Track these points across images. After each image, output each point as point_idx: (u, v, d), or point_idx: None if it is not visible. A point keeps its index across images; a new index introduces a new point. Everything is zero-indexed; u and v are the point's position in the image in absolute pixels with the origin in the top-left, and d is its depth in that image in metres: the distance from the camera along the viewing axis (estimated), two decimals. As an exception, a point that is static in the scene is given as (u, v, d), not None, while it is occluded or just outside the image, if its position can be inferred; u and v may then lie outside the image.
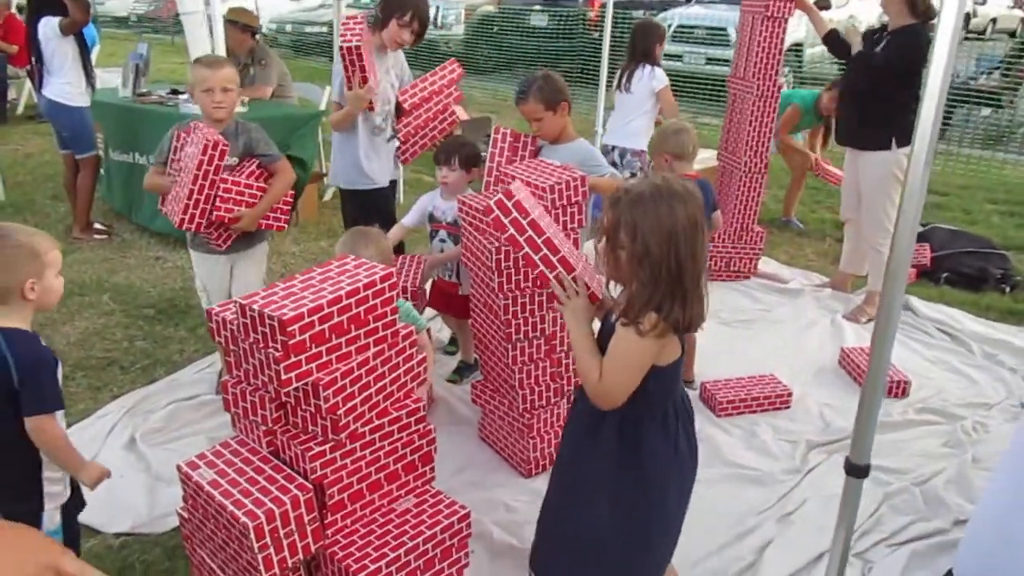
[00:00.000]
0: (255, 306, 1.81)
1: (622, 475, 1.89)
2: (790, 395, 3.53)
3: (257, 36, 5.71)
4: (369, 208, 3.72)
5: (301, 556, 1.91)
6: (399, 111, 3.70)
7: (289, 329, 1.78)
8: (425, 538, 2.03)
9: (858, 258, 4.72)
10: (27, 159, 7.34)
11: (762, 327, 4.35)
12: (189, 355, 3.80)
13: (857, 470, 2.02)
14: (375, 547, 1.98)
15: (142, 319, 4.13)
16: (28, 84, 9.20)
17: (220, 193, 3.00)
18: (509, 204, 2.04)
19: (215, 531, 1.94)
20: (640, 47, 4.92)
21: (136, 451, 3.09)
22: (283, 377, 1.82)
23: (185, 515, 2.09)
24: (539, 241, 2.02)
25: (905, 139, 4.21)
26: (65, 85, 5.09)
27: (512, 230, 2.03)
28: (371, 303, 1.94)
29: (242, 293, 3.17)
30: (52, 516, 2.06)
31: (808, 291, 4.80)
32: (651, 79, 4.83)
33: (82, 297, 4.34)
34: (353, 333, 1.93)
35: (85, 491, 2.80)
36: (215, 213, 3.02)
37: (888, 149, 4.20)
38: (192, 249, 3.31)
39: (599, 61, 6.92)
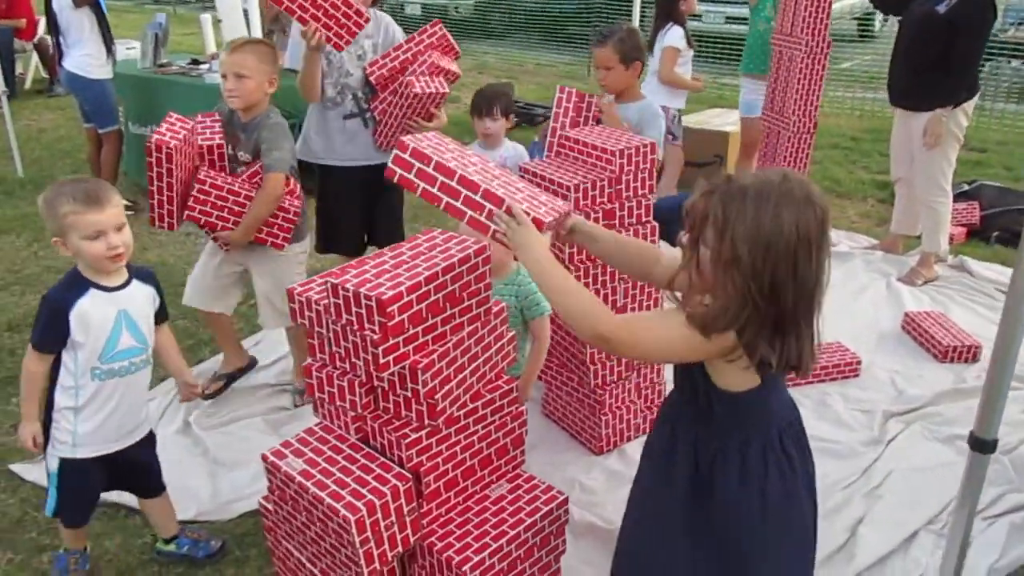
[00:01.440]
0: (349, 285, 1.69)
1: (696, 517, 1.62)
2: (859, 363, 3.41)
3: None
4: (326, 187, 3.47)
5: (401, 549, 1.80)
6: (371, 86, 3.27)
7: (388, 310, 1.65)
8: (526, 526, 1.92)
9: (910, 219, 4.57)
10: (41, 134, 7.18)
11: (816, 292, 4.21)
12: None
13: (983, 444, 1.91)
14: (475, 537, 1.88)
15: (179, 298, 3.98)
16: (35, 58, 9.01)
17: (194, 193, 2.78)
18: (406, 156, 1.69)
19: (307, 524, 1.83)
20: (662, 7, 4.88)
21: (191, 435, 2.98)
22: (381, 361, 1.70)
23: (270, 506, 1.98)
24: (453, 184, 1.67)
25: (964, 96, 4.06)
26: (84, 57, 4.92)
27: (422, 184, 1.69)
28: (465, 279, 1.82)
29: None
30: (51, 460, 2.20)
31: (858, 254, 4.66)
32: (663, 38, 4.79)
33: (116, 276, 4.21)
34: (448, 312, 1.80)
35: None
36: (188, 214, 2.80)
37: (947, 107, 4.04)
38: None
39: (615, 23, 6.70)
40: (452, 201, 1.68)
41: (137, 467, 2.30)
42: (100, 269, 2.08)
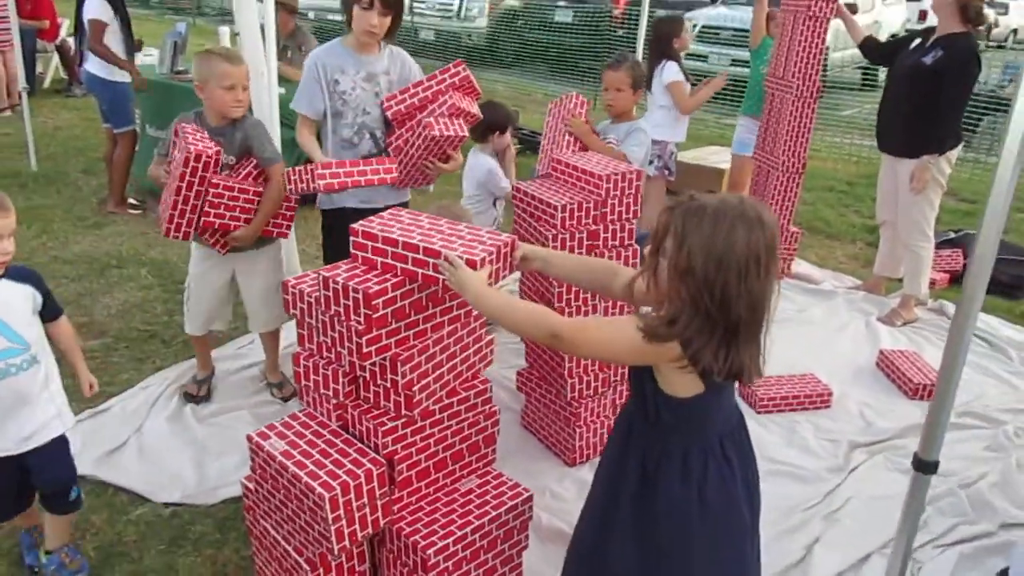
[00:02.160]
0: (339, 278, 1.82)
1: (641, 516, 1.72)
2: (830, 395, 3.53)
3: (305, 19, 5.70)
4: (339, 232, 2.72)
5: (371, 530, 1.91)
6: (388, 122, 3.10)
7: (374, 303, 1.78)
8: (491, 518, 2.03)
9: (893, 261, 4.71)
10: (56, 132, 7.37)
11: (796, 327, 4.34)
12: (228, 332, 3.79)
13: (925, 466, 2.03)
14: (441, 524, 1.99)
15: (180, 294, 4.11)
16: (56, 59, 9.23)
17: (209, 199, 2.84)
18: (359, 239, 1.89)
19: (285, 502, 1.94)
20: (657, 47, 5.05)
21: (182, 423, 3.10)
22: (364, 350, 1.82)
23: (251, 485, 2.10)
24: (400, 251, 1.83)
25: (948, 144, 4.21)
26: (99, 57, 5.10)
27: (378, 258, 1.87)
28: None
29: (252, 303, 3.22)
30: None
31: (841, 293, 4.79)
32: (660, 74, 4.93)
33: (120, 270, 4.36)
34: (431, 311, 1.93)
35: (131, 459, 2.83)
36: (203, 220, 2.88)
37: (932, 154, 4.19)
38: (194, 242, 3.12)
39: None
40: (404, 265, 1.83)
41: (32, 475, 2.22)
42: None
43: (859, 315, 4.51)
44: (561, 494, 2.83)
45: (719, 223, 1.49)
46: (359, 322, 1.81)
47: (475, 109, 3.05)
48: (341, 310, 1.84)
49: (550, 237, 2.69)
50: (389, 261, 1.85)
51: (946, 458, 3.13)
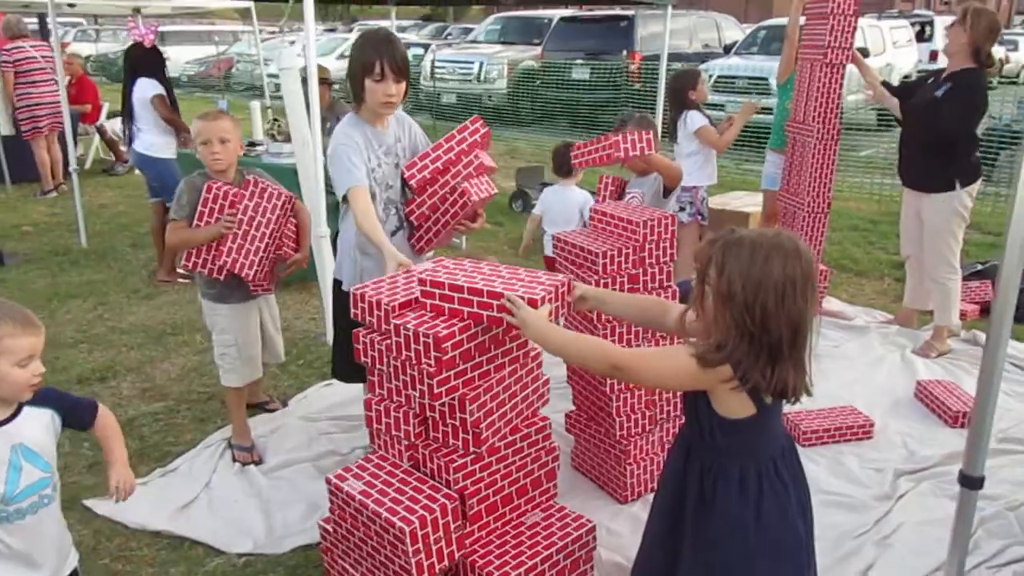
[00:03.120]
0: (410, 325, 1.97)
1: (702, 537, 1.83)
2: (872, 425, 3.60)
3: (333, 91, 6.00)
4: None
5: (447, 562, 2.02)
6: (408, 191, 3.02)
7: (443, 346, 1.92)
8: (558, 548, 2.14)
9: (922, 294, 4.79)
10: (102, 210, 7.69)
11: (832, 362, 4.43)
12: (283, 390, 3.97)
13: (972, 481, 2.11)
14: (512, 556, 2.10)
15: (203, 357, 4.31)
16: (97, 140, 9.66)
17: (282, 238, 3.16)
18: (428, 288, 2.06)
19: (364, 539, 2.07)
20: (676, 99, 5.21)
21: (247, 477, 3.23)
22: (435, 391, 1.97)
23: (329, 527, 2.22)
24: (466, 296, 1.99)
25: (968, 178, 4.34)
26: (152, 139, 5.41)
27: (446, 304, 2.03)
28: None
29: (270, 332, 3.44)
30: None
31: (874, 327, 4.87)
32: (685, 124, 5.08)
33: (175, 336, 4.55)
34: (493, 352, 2.08)
35: (202, 514, 2.96)
36: (277, 253, 3.15)
37: (952, 190, 4.32)
38: (221, 303, 3.22)
39: (641, 111, 7.13)
40: (470, 309, 2.00)
41: None
42: (15, 397, 1.89)
43: (894, 348, 4.58)
44: (616, 530, 2.91)
45: (756, 252, 1.65)
46: (430, 364, 1.95)
47: (493, 163, 2.99)
48: (412, 354, 1.99)
49: (593, 283, 2.83)
50: (456, 306, 2.00)
51: (991, 482, 3.21)
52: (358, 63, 2.80)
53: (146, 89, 5.32)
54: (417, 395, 2.04)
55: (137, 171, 9.27)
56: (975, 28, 4.12)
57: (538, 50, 13.76)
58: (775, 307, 1.62)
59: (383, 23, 10.11)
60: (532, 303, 1.91)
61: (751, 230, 1.73)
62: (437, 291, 2.04)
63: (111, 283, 5.49)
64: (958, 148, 4.25)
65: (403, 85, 2.85)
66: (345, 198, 2.86)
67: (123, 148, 9.66)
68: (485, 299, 1.96)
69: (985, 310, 5.17)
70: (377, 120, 2.94)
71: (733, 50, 13.07)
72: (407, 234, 3.06)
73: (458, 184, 2.87)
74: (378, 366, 2.15)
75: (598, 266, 2.82)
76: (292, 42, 4.96)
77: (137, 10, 8.91)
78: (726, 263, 1.65)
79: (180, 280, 5.51)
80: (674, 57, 12.02)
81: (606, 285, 2.85)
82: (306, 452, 3.41)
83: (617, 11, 13.30)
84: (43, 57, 8.12)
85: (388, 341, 2.06)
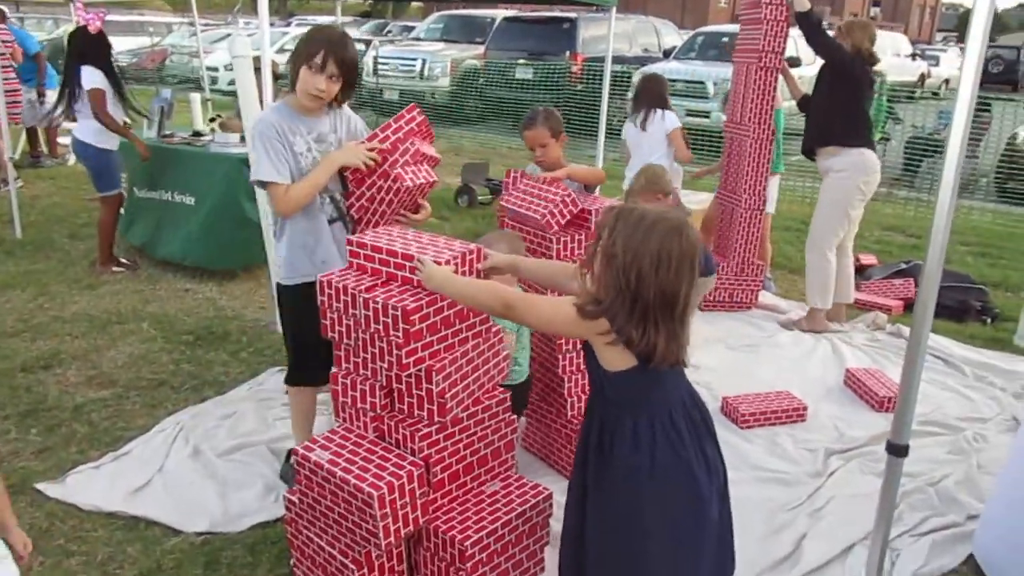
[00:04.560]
0: (379, 299, 2.05)
1: (601, 485, 1.96)
2: (805, 409, 3.81)
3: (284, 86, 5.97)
4: (309, 309, 2.45)
5: (412, 527, 2.11)
6: (345, 184, 2.88)
7: (411, 318, 2.01)
8: (517, 514, 2.24)
9: (844, 289, 5.05)
10: (35, 200, 7.47)
11: (767, 351, 4.65)
12: (235, 376, 3.97)
13: (897, 449, 2.29)
14: (474, 521, 2.19)
15: (183, 344, 4.30)
16: (23, 135, 9.32)
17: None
18: (355, 248, 2.25)
19: (331, 507, 2.13)
20: (653, 93, 5.29)
21: (202, 460, 3.25)
22: (403, 362, 2.05)
23: (294, 498, 2.28)
24: (384, 257, 2.17)
25: (835, 140, 4.74)
26: (91, 127, 5.25)
27: (369, 265, 2.22)
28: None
29: None
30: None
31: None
32: (663, 121, 5.16)
33: (121, 325, 4.50)
34: (457, 327, 2.17)
35: (158, 495, 2.98)
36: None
37: (832, 144, 4.75)
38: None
39: (585, 112, 7.30)
40: (387, 268, 2.17)
41: None
42: None
43: (824, 339, 4.83)
44: (563, 503, 3.02)
45: (643, 222, 1.80)
46: (398, 336, 2.04)
47: (434, 152, 2.88)
48: (380, 327, 2.07)
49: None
50: (377, 266, 2.19)
51: (913, 460, 3.44)
52: (303, 51, 2.73)
53: (88, 79, 5.16)
54: (384, 367, 2.12)
55: (72, 161, 9.11)
56: (851, 36, 4.57)
57: (481, 49, 13.88)
58: (649, 273, 1.77)
59: (323, 19, 10.06)
60: (437, 263, 2.07)
61: (648, 206, 1.90)
62: (362, 251, 2.22)
63: (51, 273, 5.38)
64: (834, 114, 4.65)
65: (337, 86, 2.76)
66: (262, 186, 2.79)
67: (59, 140, 9.42)
68: (399, 260, 2.13)
69: (909, 306, 5.48)
70: (306, 110, 2.81)
71: (672, 55, 13.41)
72: (348, 227, 2.91)
73: (389, 170, 2.74)
74: (345, 341, 2.21)
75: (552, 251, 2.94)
76: (228, 35, 4.86)
77: (68, -1, 8.68)
78: (616, 228, 1.81)
79: (115, 269, 5.42)
80: (615, 60, 12.28)
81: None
82: (261, 436, 3.44)
83: (560, 13, 13.52)
84: (3, 42, 7.87)
85: (355, 312, 2.13)
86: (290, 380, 3.09)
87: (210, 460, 3.24)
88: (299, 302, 2.87)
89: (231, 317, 4.68)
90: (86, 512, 2.89)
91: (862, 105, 4.68)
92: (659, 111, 5.18)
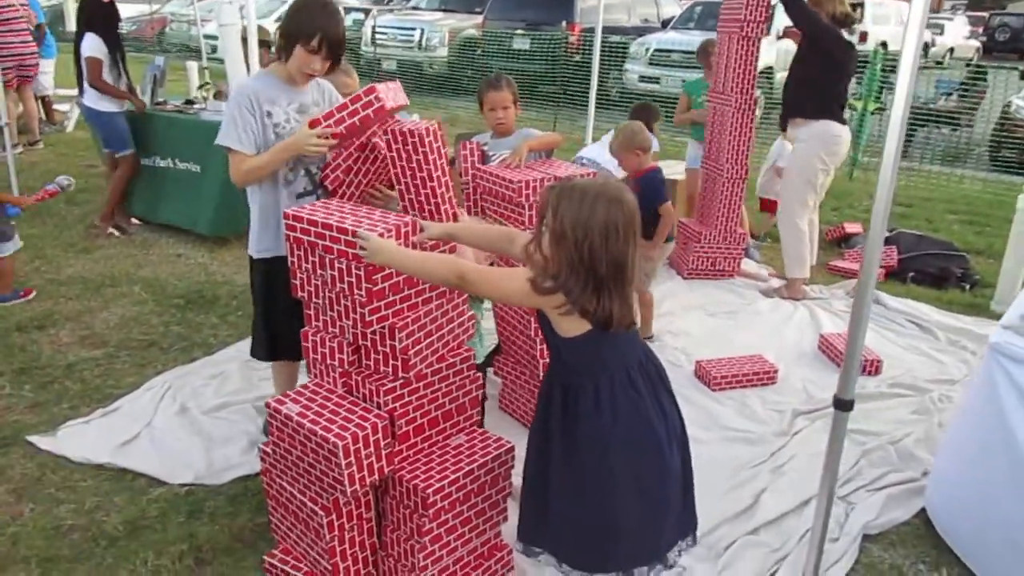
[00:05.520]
0: (343, 258, 2.15)
1: (569, 444, 2.05)
2: (776, 372, 3.92)
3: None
4: (277, 285, 2.74)
5: (377, 476, 2.23)
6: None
7: (373, 277, 2.11)
8: (479, 465, 2.35)
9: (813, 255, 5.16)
10: (32, 167, 7.56)
11: (746, 317, 4.75)
12: (223, 338, 4.09)
13: (843, 404, 2.39)
14: (437, 471, 2.31)
15: (173, 307, 4.41)
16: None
17: None
18: (291, 221, 2.24)
19: (302, 456, 2.25)
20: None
21: (188, 417, 3.38)
22: (367, 319, 2.15)
23: (268, 450, 2.39)
24: (320, 230, 2.16)
25: (807, 112, 4.84)
26: (97, 92, 5.39)
27: (304, 237, 2.22)
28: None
29: None
30: None
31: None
32: None
33: (114, 288, 4.62)
34: (420, 286, 2.27)
35: (144, 449, 3.09)
36: None
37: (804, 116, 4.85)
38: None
39: (581, 82, 7.32)
40: (323, 241, 2.17)
41: None
42: None
43: (802, 306, 4.93)
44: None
45: (584, 198, 1.87)
46: (362, 295, 2.14)
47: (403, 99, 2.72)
48: (345, 286, 2.17)
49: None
50: (313, 240, 2.22)
51: (878, 421, 3.59)
52: (297, 27, 2.71)
53: (87, 47, 5.30)
54: (350, 324, 2.23)
55: (70, 128, 9.20)
56: (820, 5, 4.63)
57: (479, 19, 13.82)
58: (600, 246, 1.84)
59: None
60: (381, 236, 2.08)
61: (584, 180, 1.97)
62: (298, 224, 2.24)
63: (47, 238, 5.50)
64: (805, 85, 4.76)
65: (328, 63, 2.80)
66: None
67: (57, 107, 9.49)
68: (336, 233, 2.16)
69: (889, 273, 5.57)
70: (291, 80, 2.84)
71: (670, 25, 13.36)
72: (323, 199, 2.74)
73: (368, 140, 2.70)
74: (314, 300, 2.32)
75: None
76: (231, 1, 4.90)
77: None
78: (559, 207, 1.88)
79: (113, 232, 5.55)
80: (613, 30, 12.28)
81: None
82: (246, 395, 3.56)
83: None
84: (20, 4, 7.95)
85: (323, 273, 2.23)
86: (267, 356, 3.06)
87: (196, 417, 3.37)
88: (267, 275, 2.91)
89: (221, 282, 4.79)
90: (76, 463, 3.03)
91: (832, 78, 4.73)
92: None
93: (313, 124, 2.63)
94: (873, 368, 4.05)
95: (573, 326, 1.97)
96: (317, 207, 2.32)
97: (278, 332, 2.95)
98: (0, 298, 4.35)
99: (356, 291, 2.15)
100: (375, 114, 2.57)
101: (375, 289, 2.13)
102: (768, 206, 6.15)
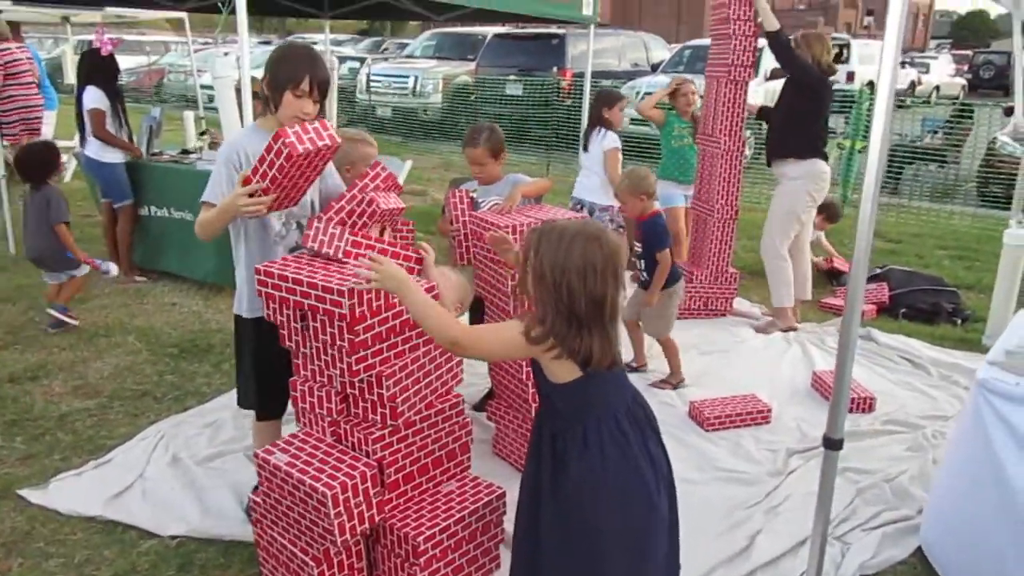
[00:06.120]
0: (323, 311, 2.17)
1: (558, 488, 2.04)
2: (770, 411, 3.92)
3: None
4: (266, 341, 2.58)
5: (367, 525, 2.22)
6: (313, 208, 2.81)
7: (355, 328, 2.13)
8: (470, 512, 2.35)
9: (798, 287, 5.19)
10: (30, 218, 7.61)
11: (739, 355, 4.76)
12: (217, 387, 4.09)
13: (832, 443, 2.40)
14: (428, 518, 2.31)
15: (167, 356, 4.42)
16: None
17: None
18: (262, 277, 2.28)
19: (290, 507, 2.25)
20: (594, 113, 5.47)
21: (181, 467, 3.36)
22: (353, 368, 2.17)
23: (259, 499, 2.39)
24: (291, 285, 2.19)
25: (793, 152, 4.97)
26: (100, 144, 5.50)
27: (277, 293, 2.25)
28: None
29: None
30: None
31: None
32: (602, 140, 5.27)
33: (108, 338, 4.63)
34: (406, 335, 2.29)
35: (136, 501, 3.08)
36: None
37: (791, 157, 4.98)
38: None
39: (573, 127, 7.45)
40: (293, 296, 2.18)
41: None
42: None
43: (795, 343, 4.94)
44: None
45: (563, 239, 1.91)
46: (345, 345, 2.15)
47: (399, 203, 2.65)
48: (328, 338, 2.19)
49: (509, 277, 3.06)
50: (284, 295, 2.23)
51: (872, 459, 3.59)
52: (284, 74, 2.65)
53: (89, 99, 5.44)
54: (338, 373, 2.24)
55: (68, 177, 9.28)
56: (810, 48, 4.78)
57: (472, 66, 14.05)
58: (578, 285, 1.87)
59: (319, 37, 10.26)
60: (339, 295, 2.10)
61: (564, 220, 2.00)
62: (269, 280, 2.26)
63: (42, 287, 5.48)
64: (791, 126, 4.87)
65: (318, 107, 2.74)
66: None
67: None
68: (305, 288, 2.17)
69: (881, 310, 5.59)
70: None
71: (660, 68, 13.58)
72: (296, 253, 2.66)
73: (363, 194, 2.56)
74: (302, 349, 2.33)
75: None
76: (226, 53, 5.02)
77: (66, 19, 8.87)
78: (540, 249, 1.91)
79: (137, 279, 5.61)
80: (604, 75, 12.48)
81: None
82: (240, 444, 3.55)
83: (549, 29, 13.70)
84: (27, 59, 8.09)
85: (308, 323, 2.25)
86: (256, 405, 2.96)
87: (189, 467, 3.35)
88: (260, 336, 2.73)
89: (215, 330, 4.80)
90: (66, 516, 3.00)
91: (818, 117, 4.88)
92: (602, 130, 5.29)
93: (245, 182, 2.46)
94: (867, 405, 4.05)
95: (565, 371, 1.98)
96: (289, 261, 2.32)
97: (270, 385, 2.82)
98: (57, 307, 4.74)
99: (339, 341, 2.17)
100: (289, 161, 2.35)
101: (358, 340, 2.15)
102: None
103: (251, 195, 2.43)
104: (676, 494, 2.20)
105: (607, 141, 5.26)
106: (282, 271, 2.24)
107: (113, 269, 4.98)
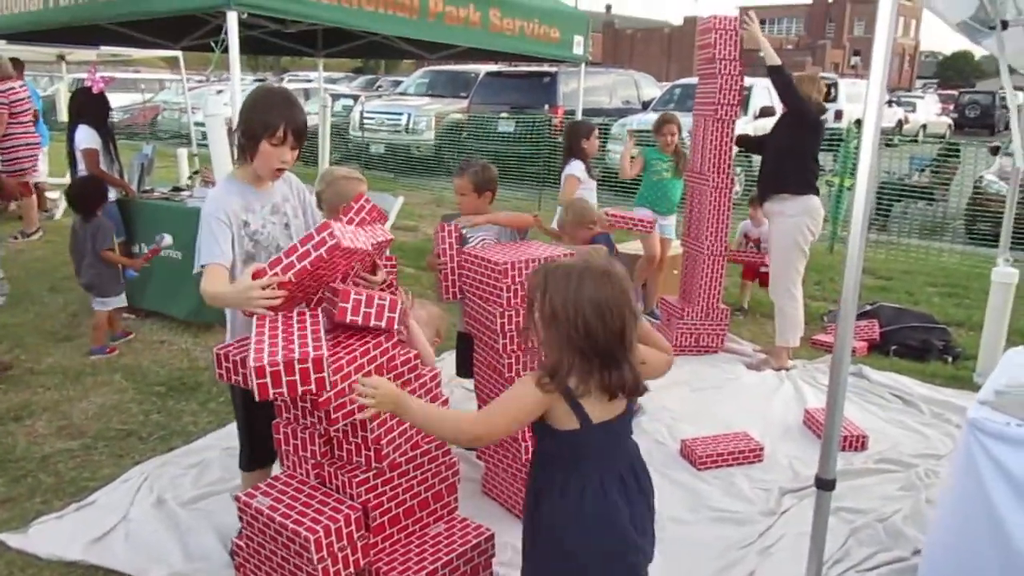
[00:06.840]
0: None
1: (534, 535, 2.02)
2: (762, 449, 3.89)
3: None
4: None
5: (352, 570, 2.17)
6: None
7: (327, 409, 2.11)
8: (457, 554, 2.31)
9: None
10: (18, 255, 7.59)
11: (731, 392, 4.74)
12: (203, 426, 4.04)
13: (825, 483, 2.38)
14: (415, 562, 2.26)
15: (154, 395, 4.37)
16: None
17: None
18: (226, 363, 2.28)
19: (273, 552, 2.20)
20: (570, 144, 5.54)
21: (165, 509, 3.30)
22: (332, 416, 2.14)
23: (241, 543, 2.34)
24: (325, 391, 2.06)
25: (789, 188, 5.00)
26: None
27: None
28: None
29: None
30: None
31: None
32: (567, 168, 5.39)
33: (94, 376, 4.58)
34: (389, 377, 2.26)
35: (119, 544, 3.01)
36: None
37: (784, 192, 5.03)
38: None
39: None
40: (260, 380, 1.99)
41: None
42: None
43: (787, 380, 4.92)
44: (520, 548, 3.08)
45: (570, 276, 1.87)
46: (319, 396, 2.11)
47: (387, 235, 2.64)
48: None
49: (498, 314, 3.04)
50: (238, 378, 2.25)
51: (865, 498, 3.56)
52: (258, 122, 2.52)
53: (82, 138, 5.47)
54: (317, 420, 2.21)
55: (58, 215, 9.27)
56: (802, 87, 4.86)
57: (465, 103, 14.18)
58: (596, 321, 1.83)
59: (313, 75, 10.35)
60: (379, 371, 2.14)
61: (569, 259, 1.97)
62: (225, 363, 2.27)
63: (28, 327, 5.47)
64: (788, 162, 4.92)
65: (296, 152, 2.63)
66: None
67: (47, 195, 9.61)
68: (339, 381, 2.14)
69: (872, 347, 5.59)
70: (260, 182, 2.68)
71: (651, 106, 13.72)
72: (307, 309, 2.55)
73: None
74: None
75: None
76: (220, 91, 5.07)
77: (62, 56, 8.93)
78: (547, 289, 1.87)
79: (126, 316, 5.55)
80: (595, 112, 12.60)
81: (511, 317, 3.06)
82: (225, 485, 3.49)
83: (541, 67, 13.85)
84: (28, 97, 8.15)
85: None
86: (246, 467, 2.94)
87: (173, 509, 3.29)
88: (251, 394, 2.39)
89: (203, 368, 4.76)
90: (46, 561, 2.94)
91: (813, 156, 4.96)
92: (571, 160, 5.39)
93: (257, 275, 2.23)
94: (859, 443, 4.02)
95: (565, 419, 1.91)
96: (249, 337, 2.14)
97: (261, 435, 2.66)
98: (93, 350, 4.86)
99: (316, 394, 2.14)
100: (328, 254, 2.18)
101: (332, 416, 2.13)
102: (750, 274, 6.28)
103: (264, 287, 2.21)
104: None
105: (569, 168, 5.38)
106: (237, 354, 2.21)
107: (167, 238, 5.02)
